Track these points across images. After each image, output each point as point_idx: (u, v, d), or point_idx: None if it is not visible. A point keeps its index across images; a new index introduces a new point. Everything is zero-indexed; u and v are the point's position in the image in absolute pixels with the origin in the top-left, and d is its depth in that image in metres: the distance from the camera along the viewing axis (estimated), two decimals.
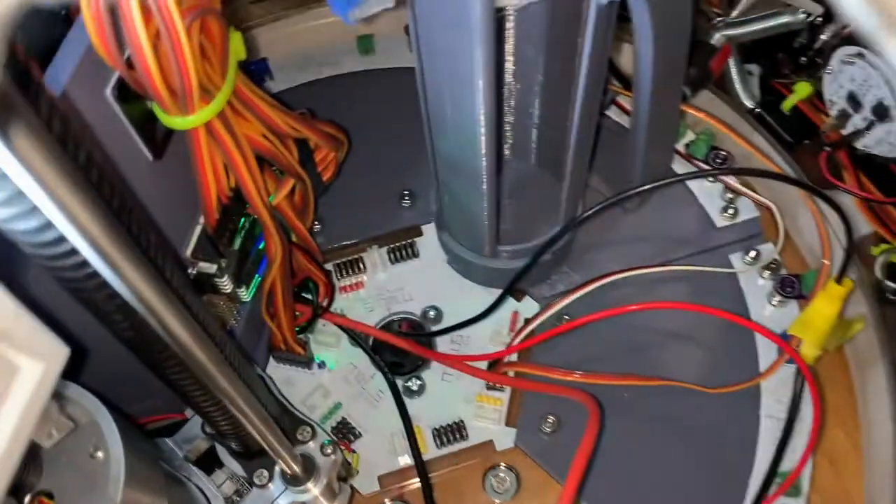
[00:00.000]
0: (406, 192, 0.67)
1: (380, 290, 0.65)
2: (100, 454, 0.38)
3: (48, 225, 0.26)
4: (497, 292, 0.61)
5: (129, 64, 0.37)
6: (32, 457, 0.37)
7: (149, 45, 0.35)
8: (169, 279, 0.35)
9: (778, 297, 0.61)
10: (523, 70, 0.55)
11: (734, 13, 0.65)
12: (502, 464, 0.57)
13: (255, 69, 0.72)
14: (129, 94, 0.39)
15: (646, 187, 0.55)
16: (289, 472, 0.48)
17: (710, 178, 0.66)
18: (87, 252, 0.29)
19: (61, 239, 0.27)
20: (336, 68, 0.76)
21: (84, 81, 0.36)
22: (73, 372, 0.41)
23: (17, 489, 0.37)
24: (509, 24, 0.51)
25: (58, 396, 0.37)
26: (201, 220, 0.48)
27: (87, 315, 0.32)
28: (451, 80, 0.44)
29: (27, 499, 0.37)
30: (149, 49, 0.35)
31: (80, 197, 0.27)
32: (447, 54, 0.42)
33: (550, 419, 0.57)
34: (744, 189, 0.65)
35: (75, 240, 0.28)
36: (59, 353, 0.26)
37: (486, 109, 0.44)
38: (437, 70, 0.45)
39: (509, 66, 0.55)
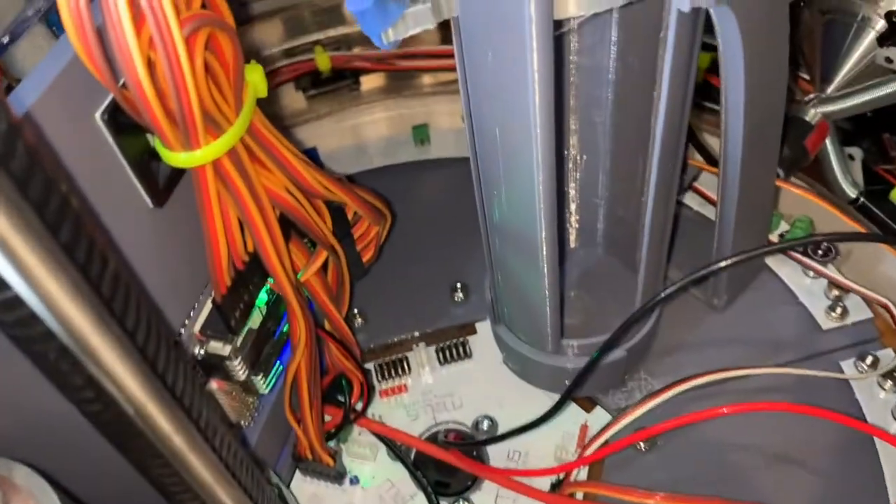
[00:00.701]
0: (459, 285, 0.60)
1: (426, 395, 0.57)
2: None
3: None
4: None
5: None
6: None
7: (139, 53, 0.29)
8: (152, 357, 0.28)
9: None
10: (589, 134, 0.49)
11: (830, 88, 0.57)
12: None
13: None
14: (126, 124, 0.34)
15: (722, 264, 0.46)
16: None
17: (812, 273, 0.57)
18: (36, 307, 0.22)
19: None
20: (389, 158, 0.71)
21: (64, 100, 0.31)
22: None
23: None
24: (573, 77, 0.45)
25: None
26: None
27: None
28: (503, 126, 0.38)
29: None
30: (138, 57, 0.29)
31: (25, 236, 0.21)
32: (499, 93, 0.36)
33: None
34: (853, 285, 0.55)
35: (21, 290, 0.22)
36: None
37: (545, 159, 0.37)
38: (487, 119, 0.39)
39: (573, 127, 0.49)
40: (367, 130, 0.73)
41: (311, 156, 0.69)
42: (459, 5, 0.34)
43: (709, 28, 0.38)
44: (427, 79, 0.75)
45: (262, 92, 0.37)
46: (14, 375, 0.29)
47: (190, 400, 0.31)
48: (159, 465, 0.30)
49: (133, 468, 0.30)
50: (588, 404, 0.55)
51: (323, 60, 0.73)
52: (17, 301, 0.23)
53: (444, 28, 0.72)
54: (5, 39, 0.41)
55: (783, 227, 0.60)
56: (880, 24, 0.55)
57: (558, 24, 0.33)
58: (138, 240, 0.36)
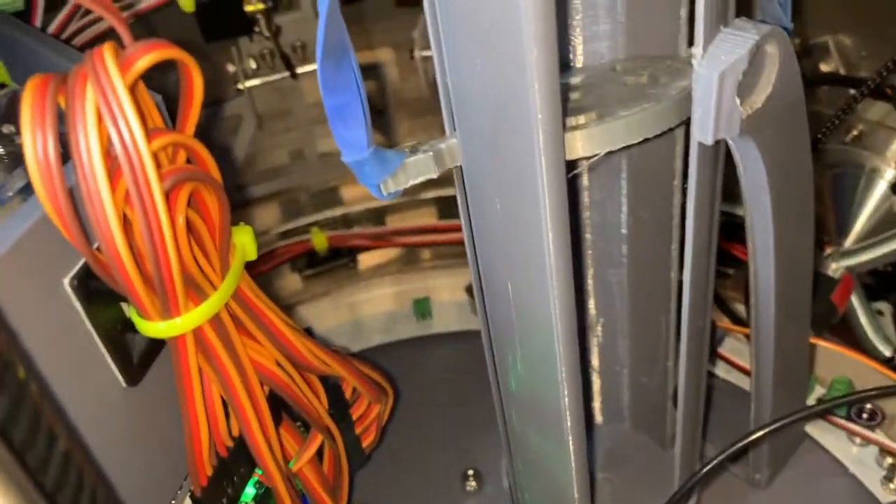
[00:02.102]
0: (470, 472, 0.54)
1: None
2: None
3: None
4: None
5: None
6: None
7: (113, 208, 0.26)
8: None
9: None
10: (605, 295, 0.46)
11: (848, 242, 0.55)
12: None
13: None
14: (99, 291, 0.30)
15: (765, 431, 0.41)
16: None
17: (858, 440, 0.52)
18: None
19: None
20: (389, 335, 0.67)
21: (27, 264, 0.27)
22: None
23: None
24: (586, 234, 0.43)
25: None
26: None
27: None
28: (516, 279, 0.34)
29: None
30: (112, 213, 0.26)
31: None
32: (510, 243, 0.33)
33: None
34: None
35: None
36: None
37: (564, 312, 0.33)
38: (498, 274, 0.35)
39: (589, 288, 0.45)
40: (365, 308, 0.70)
41: None
42: (463, 154, 0.32)
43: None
44: (426, 253, 0.73)
45: (252, 254, 0.34)
46: None
47: None
48: None
49: None
50: None
51: (320, 240, 0.71)
52: None
53: (441, 202, 0.72)
54: None
55: (819, 390, 0.55)
56: (890, 174, 0.53)
57: (570, 166, 0.30)
58: (106, 425, 0.32)
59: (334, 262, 0.72)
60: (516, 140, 0.29)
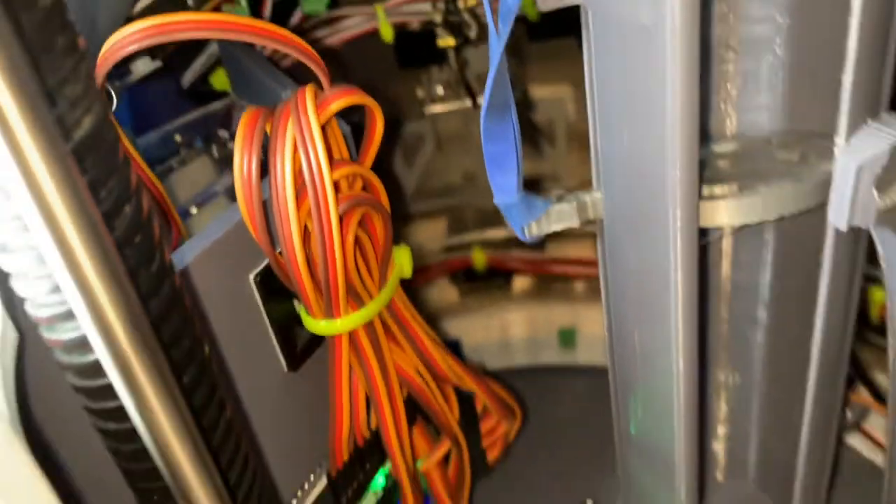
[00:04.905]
0: (589, 502, 0.56)
1: None
2: None
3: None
4: None
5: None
6: None
7: (297, 223, 0.32)
8: None
9: None
10: (742, 353, 0.46)
11: None
12: None
13: None
14: (276, 289, 0.36)
15: None
16: None
17: None
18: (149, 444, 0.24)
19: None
20: (532, 358, 0.70)
21: (224, 259, 0.33)
22: None
23: None
24: (727, 289, 0.44)
25: None
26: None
27: None
28: (642, 330, 0.37)
29: None
30: (296, 227, 0.32)
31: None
32: (639, 297, 0.35)
33: None
34: None
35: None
36: None
37: (686, 368, 0.35)
38: (627, 322, 0.38)
39: (724, 343, 0.46)
40: (513, 329, 0.73)
41: (454, 348, 0.70)
42: (605, 209, 0.35)
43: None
44: (580, 285, 0.75)
45: (407, 273, 0.39)
46: None
47: None
48: None
49: None
50: None
51: (479, 259, 0.75)
52: (133, 434, 0.23)
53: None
54: (193, 210, 0.46)
55: None
56: None
57: (705, 232, 0.32)
58: (266, 401, 0.37)
59: (490, 281, 0.76)
60: (653, 205, 0.31)
